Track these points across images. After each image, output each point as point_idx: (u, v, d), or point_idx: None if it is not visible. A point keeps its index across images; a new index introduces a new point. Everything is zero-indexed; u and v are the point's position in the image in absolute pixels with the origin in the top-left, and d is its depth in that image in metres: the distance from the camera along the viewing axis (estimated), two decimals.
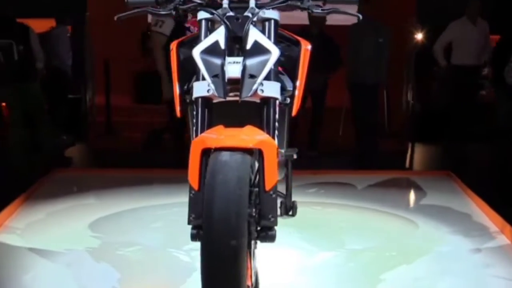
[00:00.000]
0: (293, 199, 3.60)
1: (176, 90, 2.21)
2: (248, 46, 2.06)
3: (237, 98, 2.05)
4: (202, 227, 1.72)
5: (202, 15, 2.15)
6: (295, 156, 3.49)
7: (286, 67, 2.31)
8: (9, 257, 2.84)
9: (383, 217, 3.57)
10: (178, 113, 2.21)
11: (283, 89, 2.22)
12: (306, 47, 2.37)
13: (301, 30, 5.86)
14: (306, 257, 2.82)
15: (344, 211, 3.74)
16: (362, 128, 5.82)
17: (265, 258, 2.74)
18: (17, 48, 4.86)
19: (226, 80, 2.00)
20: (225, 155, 1.82)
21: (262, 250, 2.84)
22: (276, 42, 2.14)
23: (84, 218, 3.46)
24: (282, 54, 2.28)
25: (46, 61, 5.57)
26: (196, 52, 2.06)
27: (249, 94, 2.00)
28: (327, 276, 2.60)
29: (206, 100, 2.08)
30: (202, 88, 2.05)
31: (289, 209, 3.42)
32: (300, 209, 3.57)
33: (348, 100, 6.10)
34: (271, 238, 1.98)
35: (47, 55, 5.72)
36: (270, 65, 2.04)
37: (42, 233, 3.24)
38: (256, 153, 1.90)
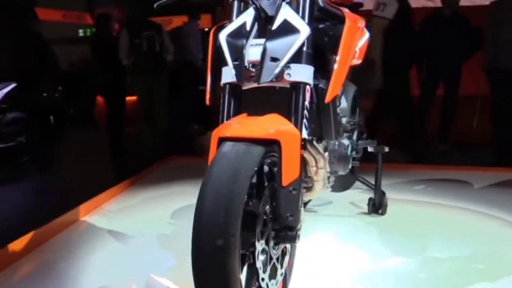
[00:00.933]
0: (394, 196, 3.29)
1: (208, 77, 2.11)
2: (275, 26, 1.87)
3: (266, 84, 1.89)
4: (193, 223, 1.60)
5: None
6: (386, 149, 3.20)
7: (330, 48, 2.07)
8: (88, 237, 3.02)
9: (489, 224, 3.06)
10: (207, 101, 2.10)
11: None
12: (353, 23, 2.09)
13: (434, 12, 5.36)
14: (371, 261, 2.52)
15: (444, 212, 3.29)
16: (502, 119, 5.12)
17: (321, 257, 2.55)
18: (149, 42, 5.23)
19: (245, 64, 1.85)
20: (227, 146, 1.68)
21: (319, 247, 2.65)
22: (311, 21, 1.92)
23: (172, 205, 3.54)
24: (325, 34, 2.05)
25: (178, 54, 5.91)
26: (222, 36, 1.94)
27: (269, 79, 1.82)
28: (385, 287, 2.29)
29: (233, 87, 1.94)
30: (228, 74, 1.92)
31: (378, 207, 3.16)
32: (392, 208, 3.26)
33: (485, 87, 5.40)
34: (290, 239, 1.78)
35: (179, 49, 6.05)
36: (296, 46, 1.83)
37: (128, 217, 3.39)
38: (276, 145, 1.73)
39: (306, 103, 1.87)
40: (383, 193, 3.51)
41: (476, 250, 2.64)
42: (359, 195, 3.54)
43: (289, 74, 1.85)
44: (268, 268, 1.79)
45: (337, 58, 2.01)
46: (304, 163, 2.34)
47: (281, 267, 1.91)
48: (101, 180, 4.42)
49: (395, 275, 2.36)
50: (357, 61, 2.86)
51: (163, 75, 5.55)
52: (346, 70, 2.06)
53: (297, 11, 1.91)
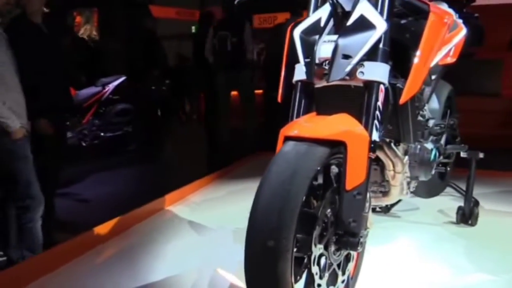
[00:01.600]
0: (487, 206, 3.05)
1: (282, 74, 2.06)
2: (350, 22, 1.78)
3: (339, 83, 1.81)
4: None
5: None
6: (480, 155, 2.97)
7: (412, 45, 1.93)
8: (169, 226, 3.11)
9: None
10: (278, 98, 2.06)
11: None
12: (438, 18, 1.94)
13: None
14: (453, 276, 2.34)
15: None
16: None
17: (399, 266, 2.41)
18: (231, 40, 5.32)
19: (316, 61, 1.78)
20: (289, 145, 1.64)
21: (398, 256, 2.50)
22: (390, 16, 1.81)
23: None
24: (407, 30, 1.93)
25: (277, 50, 5.94)
26: (296, 32, 1.89)
27: (339, 77, 1.74)
28: None
29: (305, 85, 1.88)
30: (300, 72, 1.87)
31: (468, 217, 2.95)
32: (485, 218, 3.01)
33: None
34: (352, 245, 1.70)
35: (279, 45, 6.08)
36: (371, 42, 1.74)
37: (210, 210, 3.45)
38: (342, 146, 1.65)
39: (379, 103, 1.76)
40: (476, 202, 3.26)
41: None
42: (450, 202, 3.31)
43: (362, 72, 1.76)
44: (327, 274, 1.72)
45: (417, 55, 1.88)
46: (381, 166, 2.23)
47: (343, 274, 1.83)
48: (193, 171, 4.55)
49: None
50: (451, 60, 2.68)
51: (247, 72, 5.59)
52: (426, 68, 1.92)
53: (375, 6, 1.81)
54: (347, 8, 1.84)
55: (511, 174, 4.14)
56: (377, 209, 3.10)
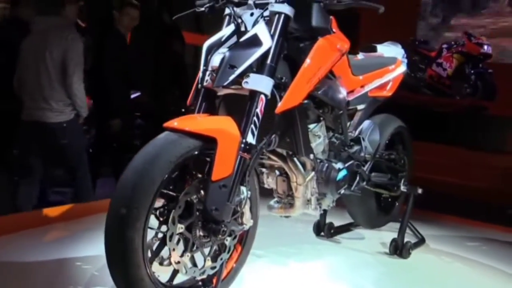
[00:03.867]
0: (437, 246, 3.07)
1: (196, 81, 2.31)
2: (243, 38, 2.04)
3: (240, 92, 2.06)
4: None
5: (226, 11, 2.22)
6: (419, 191, 3.09)
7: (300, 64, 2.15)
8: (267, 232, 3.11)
9: None
10: (188, 101, 2.31)
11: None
12: (326, 43, 2.16)
13: None
14: None
15: (475, 272, 3.03)
16: None
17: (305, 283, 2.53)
18: None
19: (209, 69, 2.05)
20: (163, 134, 1.89)
21: (310, 275, 2.63)
22: (281, 37, 2.05)
23: None
24: (303, 52, 2.16)
25: None
26: (204, 45, 2.16)
27: (223, 84, 2.00)
28: None
29: (206, 91, 2.13)
30: (199, 78, 2.13)
31: (400, 249, 3.05)
32: (424, 256, 3.09)
33: None
34: (214, 232, 1.92)
35: None
36: (255, 56, 2.00)
37: None
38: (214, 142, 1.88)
39: (258, 110, 1.98)
40: (422, 240, 3.37)
41: None
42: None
43: (247, 82, 2.00)
44: (188, 254, 1.92)
45: (299, 73, 2.09)
46: (289, 178, 2.43)
47: (214, 261, 2.02)
48: None
49: None
50: (387, 93, 2.87)
51: None
52: (307, 86, 2.11)
53: (269, 27, 2.06)
54: (249, 28, 2.11)
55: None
56: (322, 233, 3.27)
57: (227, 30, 2.15)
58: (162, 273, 1.94)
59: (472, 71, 6.13)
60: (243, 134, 1.96)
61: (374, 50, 2.93)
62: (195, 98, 2.18)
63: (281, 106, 2.05)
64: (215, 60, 2.03)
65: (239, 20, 2.13)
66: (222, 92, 2.14)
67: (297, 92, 2.08)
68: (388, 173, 3.05)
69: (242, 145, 1.94)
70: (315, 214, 2.57)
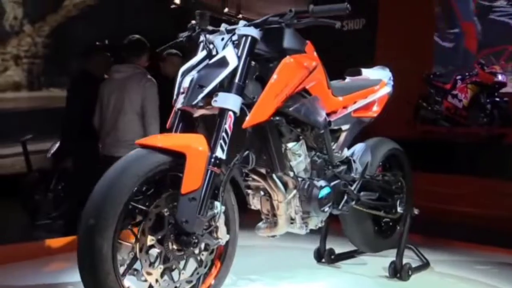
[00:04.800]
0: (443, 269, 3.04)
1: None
2: (212, 61, 2.17)
3: (214, 112, 2.17)
4: None
5: (200, 38, 2.35)
6: (415, 212, 3.09)
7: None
8: None
9: None
10: (167, 124, 2.42)
11: None
12: (292, 61, 2.26)
13: None
14: None
15: None
16: None
17: None
18: None
19: (181, 90, 2.17)
20: (134, 150, 2.00)
21: None
22: (247, 57, 2.17)
23: None
24: (264, 70, 2.25)
25: None
26: (180, 70, 2.29)
27: (192, 102, 2.11)
28: None
29: (181, 112, 2.25)
30: (178, 101, 2.25)
31: (399, 271, 3.02)
32: (427, 278, 3.04)
33: None
34: (185, 244, 1.98)
35: None
36: (222, 76, 2.11)
37: None
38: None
39: (226, 126, 2.08)
40: (427, 263, 3.31)
41: None
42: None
43: (216, 100, 2.10)
44: (161, 266, 1.98)
45: (265, 89, 2.18)
46: (270, 197, 2.48)
47: (191, 275, 2.09)
48: None
49: None
50: (372, 114, 2.92)
51: None
52: (274, 102, 2.19)
53: (237, 49, 2.18)
54: (219, 51, 2.23)
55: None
56: (323, 260, 3.27)
57: (200, 55, 2.27)
58: None
59: (488, 100, 6.09)
60: (212, 149, 2.05)
61: (359, 73, 3.01)
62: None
63: (248, 121, 2.13)
64: (186, 82, 2.16)
65: (211, 46, 2.26)
66: (197, 113, 2.25)
67: (264, 107, 2.17)
68: (382, 194, 3.05)
69: (212, 160, 2.03)
70: (301, 233, 2.58)
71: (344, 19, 8.56)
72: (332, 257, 3.28)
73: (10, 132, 6.27)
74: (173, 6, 7.69)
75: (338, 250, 3.34)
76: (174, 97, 2.22)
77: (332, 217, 2.94)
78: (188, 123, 2.25)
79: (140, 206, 1.95)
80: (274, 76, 2.21)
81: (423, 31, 7.03)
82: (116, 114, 3.95)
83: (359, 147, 3.06)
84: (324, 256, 3.28)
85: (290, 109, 2.31)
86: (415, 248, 3.46)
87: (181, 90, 2.17)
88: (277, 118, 2.27)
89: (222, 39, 2.25)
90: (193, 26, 2.39)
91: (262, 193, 2.54)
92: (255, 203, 2.58)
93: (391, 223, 3.34)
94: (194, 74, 2.16)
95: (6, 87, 7.07)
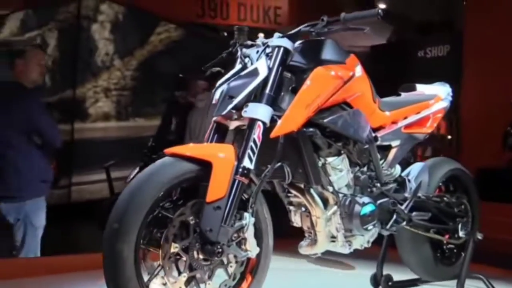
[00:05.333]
0: None
1: None
2: (244, 72, 2.18)
3: (244, 123, 2.18)
4: None
5: (238, 52, 2.38)
6: (479, 237, 2.87)
7: None
8: None
9: None
10: (205, 137, 2.43)
11: None
12: (322, 71, 2.20)
13: None
14: None
15: None
16: None
17: None
18: None
19: (213, 102, 2.19)
20: (162, 159, 2.04)
21: None
22: (279, 68, 2.16)
23: None
24: (300, 82, 2.23)
25: None
26: (218, 83, 2.32)
27: (222, 113, 2.13)
28: None
29: (216, 124, 2.27)
30: (210, 113, 2.28)
31: None
32: None
33: None
34: (209, 253, 1.97)
35: None
36: (252, 86, 2.12)
37: None
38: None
39: (255, 136, 2.06)
40: None
41: None
42: None
43: (245, 111, 2.11)
44: (185, 275, 1.97)
45: (295, 98, 2.15)
46: (310, 213, 2.41)
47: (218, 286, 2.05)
48: None
49: None
50: (426, 130, 2.78)
51: None
52: (305, 112, 2.14)
53: (269, 61, 2.18)
54: (254, 64, 2.24)
55: None
56: (380, 287, 3.10)
57: (235, 68, 2.30)
58: None
59: None
60: (240, 159, 2.04)
61: (413, 89, 2.88)
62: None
63: (276, 130, 2.10)
64: (217, 94, 2.18)
65: (247, 59, 2.27)
66: (232, 125, 2.25)
67: (293, 116, 2.13)
68: (441, 216, 2.85)
69: (240, 170, 2.02)
70: (344, 252, 2.47)
71: (427, 46, 8.38)
72: (390, 283, 3.09)
73: (98, 160, 6.67)
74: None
75: (396, 277, 3.14)
76: (208, 109, 2.26)
77: (390, 241, 2.80)
78: (220, 135, 2.26)
79: (164, 213, 1.97)
80: (305, 85, 2.17)
81: (510, 57, 6.69)
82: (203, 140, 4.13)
83: (416, 166, 2.90)
84: (381, 283, 3.10)
85: (325, 120, 2.25)
86: (485, 278, 3.18)
87: (214, 102, 2.20)
88: (311, 129, 2.22)
89: (257, 52, 2.27)
90: (234, 42, 2.43)
91: (303, 209, 2.48)
92: (296, 219, 2.51)
93: (455, 250, 3.10)
94: (225, 85, 2.18)
95: (96, 117, 7.57)
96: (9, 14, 7.31)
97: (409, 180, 2.79)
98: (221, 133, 2.27)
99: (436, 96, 2.84)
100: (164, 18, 8.02)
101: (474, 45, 7.17)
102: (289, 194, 2.48)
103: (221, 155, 2.01)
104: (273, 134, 2.11)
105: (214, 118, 2.25)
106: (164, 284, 1.97)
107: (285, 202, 2.53)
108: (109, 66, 7.77)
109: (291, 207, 2.52)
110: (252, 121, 2.09)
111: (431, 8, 8.99)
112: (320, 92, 2.19)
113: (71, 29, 7.42)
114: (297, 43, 2.33)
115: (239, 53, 2.32)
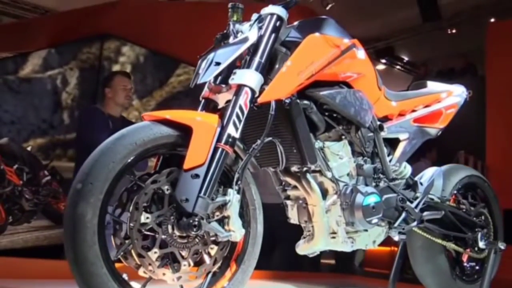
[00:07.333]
0: None
1: None
2: (233, 40, 2.04)
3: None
4: None
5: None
6: (502, 247, 2.57)
7: None
8: None
9: None
10: None
11: None
12: (318, 38, 2.06)
13: None
14: None
15: None
16: None
17: None
18: None
19: (198, 72, 2.04)
20: (141, 122, 1.86)
21: None
22: (271, 33, 2.04)
23: None
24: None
25: None
26: (203, 53, 2.16)
27: (207, 79, 1.97)
28: None
29: (207, 102, 2.11)
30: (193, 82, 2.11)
31: None
32: None
33: None
34: (184, 227, 1.75)
35: None
36: (239, 51, 1.97)
37: None
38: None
39: (241, 103, 1.89)
40: None
41: None
42: None
43: (233, 78, 1.94)
44: (157, 250, 1.74)
45: (285, 64, 1.97)
46: (306, 203, 2.18)
47: (188, 264, 1.81)
48: None
49: None
50: (439, 125, 2.57)
51: None
52: (291, 77, 1.96)
53: (260, 30, 2.03)
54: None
55: None
56: None
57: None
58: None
59: None
60: (224, 126, 1.85)
61: (424, 86, 2.68)
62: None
63: (263, 96, 1.92)
64: (203, 63, 2.02)
65: (239, 34, 2.12)
66: (221, 100, 2.08)
67: (283, 82, 1.95)
68: (458, 225, 2.56)
69: (224, 137, 1.83)
70: (345, 249, 2.21)
71: None
72: None
73: None
74: None
75: None
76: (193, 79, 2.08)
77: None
78: (209, 111, 2.07)
79: (132, 178, 1.76)
80: (297, 50, 2.00)
81: None
82: None
83: (430, 170, 2.66)
84: None
85: (321, 93, 2.06)
86: None
87: (199, 71, 2.03)
88: (305, 101, 2.03)
89: (250, 25, 2.13)
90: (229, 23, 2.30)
91: (300, 202, 2.24)
92: (293, 214, 2.27)
93: (477, 267, 2.77)
94: (211, 53, 2.03)
95: None
96: (32, 52, 7.46)
97: (421, 183, 2.53)
98: (210, 111, 2.09)
99: (448, 91, 2.63)
100: (184, 61, 8.09)
101: (496, 89, 7.04)
102: (286, 188, 2.26)
103: (202, 119, 1.83)
104: (260, 99, 1.92)
105: (203, 94, 2.09)
106: (138, 266, 1.74)
107: (282, 196, 2.30)
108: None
109: (288, 202, 2.29)
110: (239, 88, 1.92)
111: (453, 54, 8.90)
112: (314, 59, 2.01)
113: (92, 69, 7.51)
114: (296, 22, 2.20)
115: (231, 28, 2.18)
